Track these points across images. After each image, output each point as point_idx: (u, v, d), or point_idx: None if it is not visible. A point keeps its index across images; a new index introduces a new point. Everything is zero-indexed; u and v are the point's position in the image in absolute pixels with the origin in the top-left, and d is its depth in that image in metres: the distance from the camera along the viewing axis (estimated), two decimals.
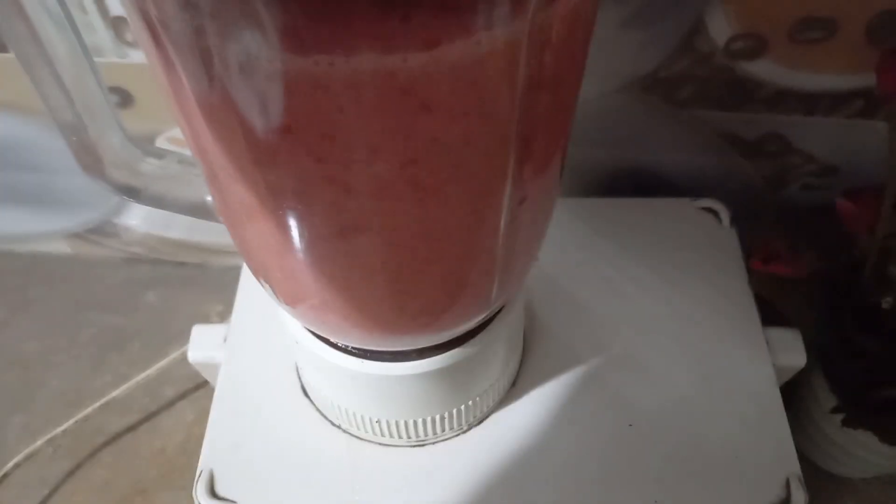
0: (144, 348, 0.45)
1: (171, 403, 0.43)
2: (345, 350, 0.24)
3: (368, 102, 0.14)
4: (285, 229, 0.18)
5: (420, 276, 0.19)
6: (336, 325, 0.22)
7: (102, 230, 0.46)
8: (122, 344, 0.45)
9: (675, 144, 0.36)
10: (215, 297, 0.47)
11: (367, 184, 0.16)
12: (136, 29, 0.15)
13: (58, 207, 0.45)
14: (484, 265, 0.20)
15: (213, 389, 0.41)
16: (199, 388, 0.43)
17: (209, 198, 0.23)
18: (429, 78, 0.13)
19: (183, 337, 0.44)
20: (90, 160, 0.21)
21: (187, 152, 0.24)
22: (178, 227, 0.45)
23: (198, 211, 0.23)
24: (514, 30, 0.13)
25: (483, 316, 0.23)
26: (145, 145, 0.23)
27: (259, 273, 0.22)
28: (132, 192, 0.23)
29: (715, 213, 0.35)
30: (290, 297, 0.22)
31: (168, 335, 0.45)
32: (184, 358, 0.41)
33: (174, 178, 0.23)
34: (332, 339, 0.24)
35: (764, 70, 0.31)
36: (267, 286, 0.22)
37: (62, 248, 0.48)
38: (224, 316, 0.46)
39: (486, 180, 0.17)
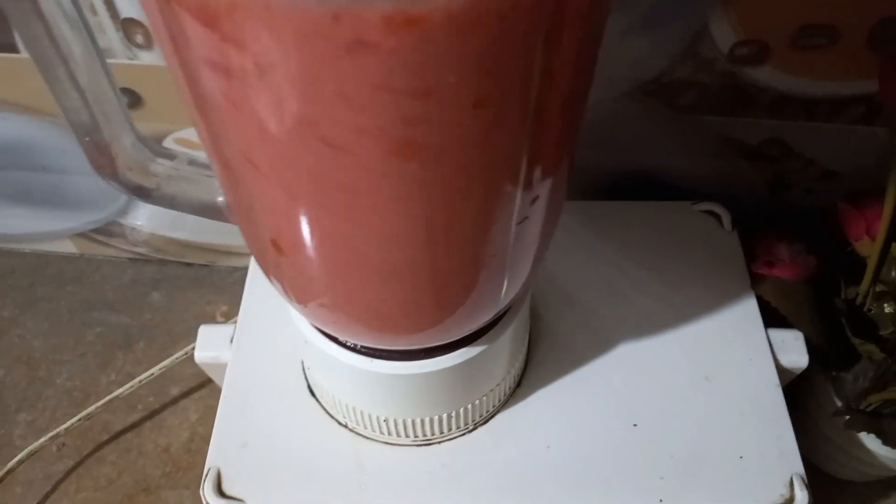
0: (150, 347, 0.45)
1: (175, 402, 0.43)
2: (354, 349, 0.25)
3: (382, 82, 0.14)
4: (298, 227, 0.18)
5: (432, 275, 0.19)
6: (346, 323, 0.23)
7: (109, 230, 0.47)
8: (128, 343, 0.45)
9: (678, 148, 0.36)
10: (220, 298, 0.47)
11: (380, 180, 0.16)
12: (152, 19, 0.16)
13: (65, 207, 0.45)
14: (495, 264, 0.20)
15: (218, 389, 0.41)
16: (203, 386, 0.43)
17: (220, 198, 0.23)
18: (443, 48, 0.13)
19: (188, 336, 0.45)
20: (103, 161, 0.22)
21: (198, 153, 0.24)
22: (184, 228, 0.46)
23: (208, 211, 0.23)
24: None
25: (492, 315, 0.23)
26: (157, 146, 0.23)
27: (270, 271, 0.22)
28: (144, 193, 0.23)
29: (717, 217, 0.36)
30: (301, 296, 0.22)
31: (173, 335, 0.45)
32: (189, 357, 0.41)
33: (185, 179, 0.23)
34: (340, 338, 0.25)
35: (766, 76, 0.32)
36: (277, 284, 0.23)
37: (68, 247, 0.48)
38: (229, 316, 0.46)
39: (499, 178, 0.17)
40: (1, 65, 0.36)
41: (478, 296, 0.21)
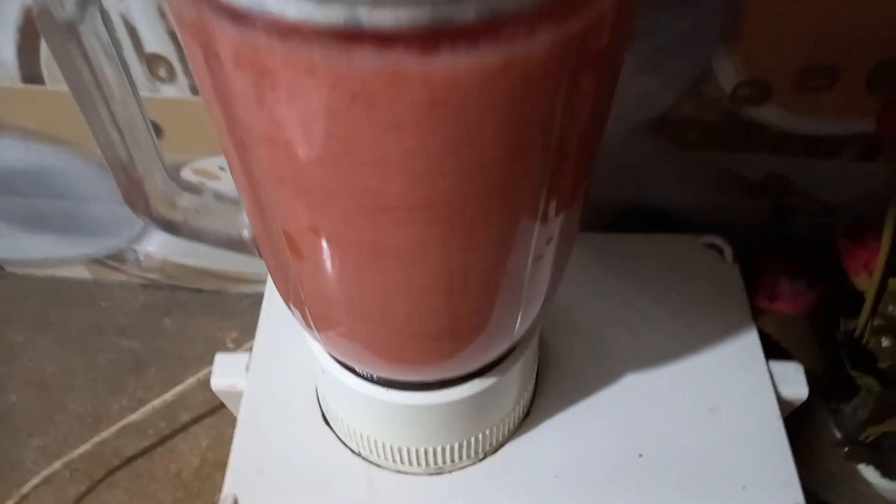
0: (161, 373, 0.46)
1: (186, 428, 0.44)
2: (370, 379, 0.25)
3: (408, 120, 0.15)
4: (322, 259, 0.19)
5: (450, 311, 0.20)
6: (364, 354, 0.23)
7: (122, 256, 0.48)
8: (140, 368, 0.46)
9: (682, 182, 0.37)
10: (231, 324, 0.48)
11: (404, 217, 0.17)
12: (193, 61, 0.16)
13: (80, 233, 0.46)
14: (511, 300, 0.21)
15: (228, 415, 0.41)
16: (214, 413, 0.44)
17: (246, 232, 0.24)
18: (469, 97, 0.14)
19: (199, 362, 0.45)
20: (136, 196, 0.23)
21: (221, 186, 0.25)
22: (196, 255, 0.47)
23: (234, 245, 0.24)
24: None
25: (505, 348, 0.24)
26: (185, 181, 0.24)
27: (290, 298, 0.23)
28: (172, 227, 0.24)
29: (719, 250, 0.37)
30: (320, 325, 0.23)
31: (184, 360, 0.46)
32: (200, 383, 0.42)
33: (212, 214, 0.24)
34: (357, 368, 0.26)
35: (768, 115, 0.33)
36: (297, 312, 0.23)
37: (82, 272, 0.49)
38: (239, 342, 0.47)
39: (517, 221, 0.18)
40: (27, 96, 0.37)
41: (492, 330, 0.22)
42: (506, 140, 0.16)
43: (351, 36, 0.13)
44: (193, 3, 0.14)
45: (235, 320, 0.48)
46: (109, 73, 0.20)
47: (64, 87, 0.37)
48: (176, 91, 0.36)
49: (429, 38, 0.13)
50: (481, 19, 0.13)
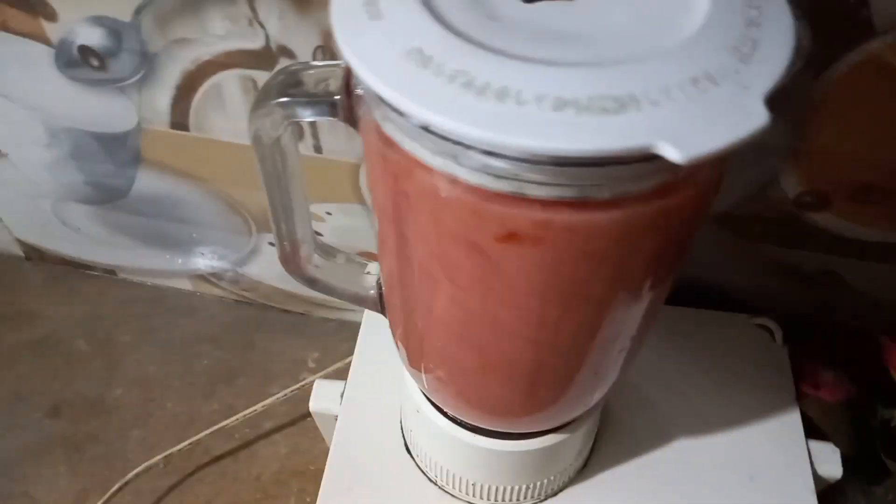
0: (248, 383, 0.51)
1: (268, 435, 0.49)
2: (460, 423, 0.30)
3: (553, 253, 0.19)
4: (451, 330, 0.24)
5: (548, 382, 0.25)
6: (462, 403, 0.28)
7: (222, 274, 0.53)
8: (230, 377, 0.51)
9: (740, 267, 0.41)
10: (313, 345, 0.53)
11: (530, 318, 0.22)
12: (371, 161, 0.21)
13: (192, 253, 0.52)
14: (595, 379, 0.25)
15: (307, 427, 0.47)
16: (293, 424, 0.49)
17: (372, 291, 0.29)
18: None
19: (283, 377, 0.51)
20: (291, 257, 0.28)
21: (326, 228, 0.29)
22: (292, 281, 0.52)
23: (359, 300, 0.29)
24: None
25: (580, 413, 0.29)
26: (326, 247, 0.29)
27: (409, 355, 0.28)
28: (313, 283, 0.29)
29: (769, 331, 0.40)
30: (431, 371, 0.27)
31: (270, 374, 0.51)
32: (285, 398, 0.47)
33: (343, 274, 0.29)
34: (448, 413, 0.30)
35: (825, 220, 0.37)
36: (412, 366, 0.28)
37: (185, 284, 0.55)
38: (320, 363, 0.52)
39: (616, 322, 0.22)
40: (171, 138, 0.43)
41: (577, 401, 0.26)
42: (624, 265, 0.20)
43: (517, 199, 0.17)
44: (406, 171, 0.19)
45: (317, 342, 0.53)
46: (293, 169, 0.25)
47: (202, 135, 0.43)
48: (301, 148, 0.41)
49: (575, 205, 0.17)
50: (614, 197, 0.17)
